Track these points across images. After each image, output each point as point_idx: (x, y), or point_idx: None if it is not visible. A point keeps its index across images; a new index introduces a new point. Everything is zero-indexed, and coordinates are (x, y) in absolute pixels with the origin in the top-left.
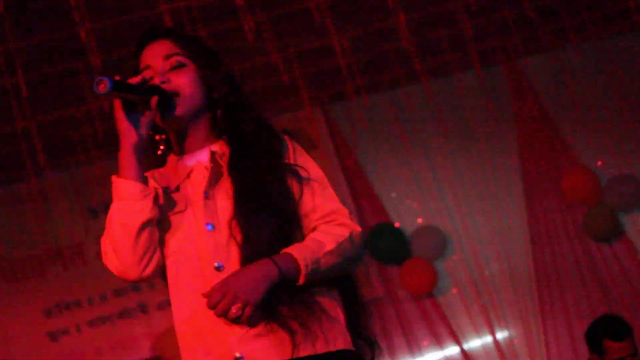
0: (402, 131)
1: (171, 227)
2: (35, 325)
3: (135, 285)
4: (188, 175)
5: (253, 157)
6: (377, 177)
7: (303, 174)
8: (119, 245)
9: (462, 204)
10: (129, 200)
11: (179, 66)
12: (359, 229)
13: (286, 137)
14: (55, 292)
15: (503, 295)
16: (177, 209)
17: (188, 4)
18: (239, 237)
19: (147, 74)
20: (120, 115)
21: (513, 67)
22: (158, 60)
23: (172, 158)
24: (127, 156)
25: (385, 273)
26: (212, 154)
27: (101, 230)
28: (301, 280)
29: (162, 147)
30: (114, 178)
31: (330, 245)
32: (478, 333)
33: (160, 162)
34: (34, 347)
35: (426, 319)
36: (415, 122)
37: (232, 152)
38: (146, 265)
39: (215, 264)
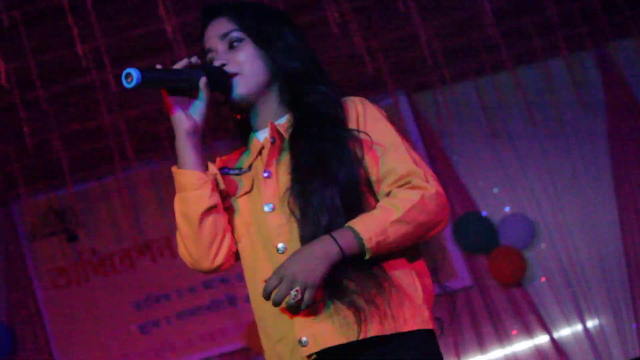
0: (488, 119)
1: (239, 209)
2: (126, 318)
3: (224, 277)
4: (260, 152)
5: (312, 127)
6: (463, 166)
7: (372, 138)
8: (185, 237)
9: (550, 192)
10: (186, 192)
11: (236, 43)
12: (433, 190)
13: (353, 102)
14: (145, 285)
15: (593, 283)
16: (244, 190)
17: None
18: (298, 215)
19: (209, 57)
20: (167, 102)
21: (602, 53)
22: (216, 40)
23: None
24: (180, 144)
25: (474, 263)
26: (273, 128)
27: None
28: (368, 255)
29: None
30: (173, 169)
31: (397, 213)
32: (568, 322)
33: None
34: (125, 339)
35: (515, 308)
36: (501, 110)
37: (294, 124)
38: (216, 254)
39: (278, 245)
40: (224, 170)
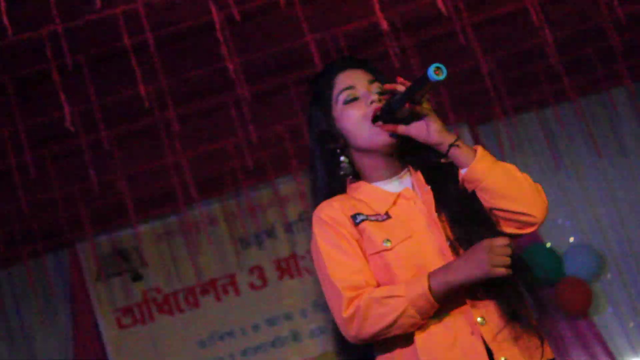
0: (551, 150)
1: (400, 254)
2: (190, 356)
3: (287, 314)
4: (395, 202)
5: (450, 182)
6: None
7: None
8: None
9: (616, 222)
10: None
11: (384, 92)
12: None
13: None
14: (209, 323)
15: None
16: (401, 236)
17: (333, 32)
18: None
19: (349, 93)
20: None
21: None
22: (363, 83)
23: (361, 184)
24: None
25: (539, 293)
26: (422, 178)
27: (252, 259)
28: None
29: (346, 171)
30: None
31: None
32: (636, 353)
33: (341, 188)
34: None
35: (582, 340)
36: (565, 140)
37: (432, 179)
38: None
39: None
40: (361, 217)
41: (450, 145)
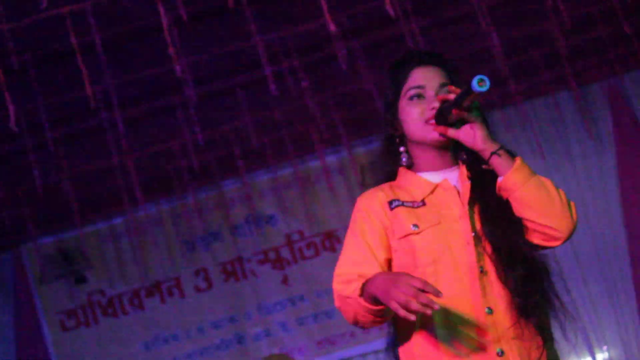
0: None
1: (426, 238)
2: (134, 359)
3: (232, 316)
4: (432, 191)
5: (490, 184)
6: None
7: None
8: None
9: None
10: None
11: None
12: None
13: None
14: (154, 326)
15: (603, 317)
16: (431, 222)
17: (281, 35)
18: (491, 247)
19: (417, 91)
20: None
21: (610, 85)
22: (434, 85)
23: (407, 172)
24: None
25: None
26: (469, 176)
27: (198, 262)
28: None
29: (403, 158)
30: None
31: None
32: (578, 355)
33: (394, 174)
34: None
35: None
36: (510, 144)
37: (474, 176)
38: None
39: (480, 268)
40: (396, 202)
41: (492, 153)
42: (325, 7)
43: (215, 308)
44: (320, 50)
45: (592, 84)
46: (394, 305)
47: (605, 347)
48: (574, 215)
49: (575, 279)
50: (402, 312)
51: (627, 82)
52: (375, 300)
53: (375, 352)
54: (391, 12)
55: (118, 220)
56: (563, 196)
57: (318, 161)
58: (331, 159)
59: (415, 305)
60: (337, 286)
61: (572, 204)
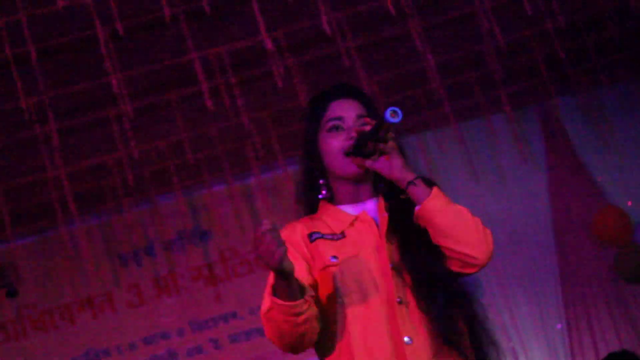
0: (431, 174)
1: (345, 270)
2: None
3: (164, 333)
4: (352, 224)
5: (408, 215)
6: None
7: None
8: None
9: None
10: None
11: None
12: None
13: None
14: (85, 341)
15: (532, 338)
16: (349, 254)
17: (218, 50)
18: (411, 277)
19: (336, 123)
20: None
21: (544, 109)
22: (352, 116)
23: (327, 205)
24: None
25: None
26: (383, 206)
27: (131, 277)
28: None
29: (323, 191)
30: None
31: None
32: None
33: (315, 207)
34: None
35: None
36: (444, 165)
37: (391, 207)
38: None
39: (398, 299)
40: (316, 235)
41: (409, 183)
42: (261, 24)
43: (148, 324)
44: (256, 67)
45: (526, 107)
46: (264, 261)
47: None
48: (490, 243)
49: (506, 301)
50: (273, 262)
51: (560, 106)
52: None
53: None
54: (328, 30)
55: (51, 234)
56: (479, 224)
57: (253, 178)
58: (266, 176)
59: (267, 248)
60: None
61: (488, 231)
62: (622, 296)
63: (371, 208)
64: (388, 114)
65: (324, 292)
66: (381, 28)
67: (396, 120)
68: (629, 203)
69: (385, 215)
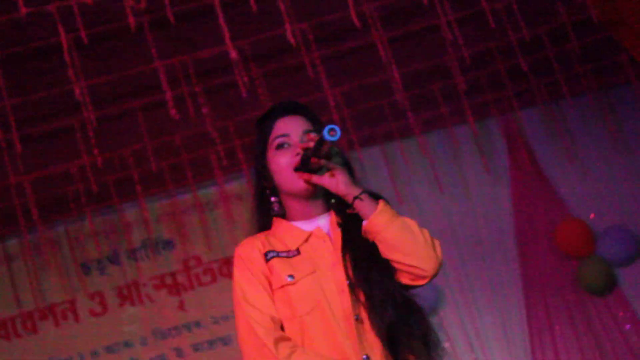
0: (394, 184)
1: (302, 288)
2: None
3: (127, 341)
4: (306, 240)
5: (359, 230)
6: None
7: None
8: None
9: (455, 258)
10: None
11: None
12: None
13: None
14: (46, 350)
15: (495, 349)
16: (305, 271)
17: (182, 59)
18: (364, 294)
19: (282, 140)
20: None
21: (507, 120)
22: (298, 132)
23: (281, 222)
24: None
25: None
26: (339, 222)
27: (94, 285)
28: None
29: (275, 208)
30: None
31: None
32: None
33: (268, 224)
34: None
35: None
36: (408, 175)
37: (343, 224)
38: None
39: (355, 316)
40: (271, 254)
41: (355, 198)
42: (226, 34)
43: (111, 332)
44: (221, 76)
45: (489, 118)
46: None
47: None
48: (439, 254)
49: (469, 311)
50: None
51: (523, 118)
52: None
53: None
54: (292, 40)
55: (12, 241)
56: (427, 235)
57: (217, 187)
58: (230, 185)
59: None
60: (275, 333)
61: (436, 242)
62: (584, 307)
63: (324, 224)
64: (326, 131)
65: (282, 310)
66: (345, 39)
67: (334, 138)
68: (592, 215)
69: (338, 230)
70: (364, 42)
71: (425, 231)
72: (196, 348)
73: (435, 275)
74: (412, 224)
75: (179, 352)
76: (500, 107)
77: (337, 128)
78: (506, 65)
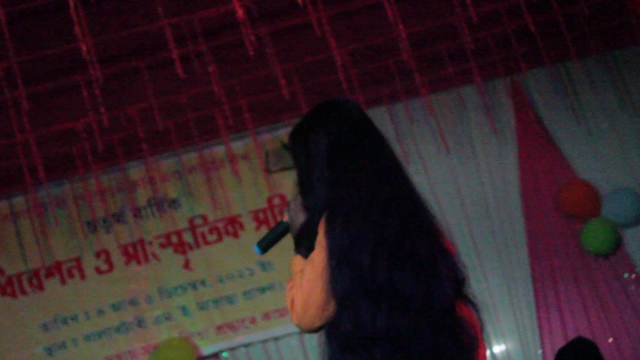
0: (401, 144)
1: None
2: (32, 339)
3: (133, 299)
4: None
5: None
6: None
7: None
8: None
9: (460, 216)
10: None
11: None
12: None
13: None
14: (52, 307)
15: (501, 310)
16: None
17: (189, 18)
18: None
19: None
20: None
21: (514, 81)
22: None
23: None
24: None
25: None
26: None
27: (99, 243)
28: None
29: None
30: None
31: None
32: None
33: None
34: None
35: None
36: (414, 136)
37: None
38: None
39: None
40: None
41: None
42: None
43: (116, 290)
44: (227, 35)
45: (496, 79)
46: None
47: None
48: (292, 315)
49: (475, 273)
50: None
51: (529, 79)
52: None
53: (275, 338)
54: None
55: (19, 199)
56: (287, 294)
57: (223, 146)
58: (236, 145)
59: None
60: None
61: (294, 298)
62: (588, 268)
63: None
64: (255, 247)
65: None
66: None
67: (259, 253)
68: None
69: None
70: (371, 1)
71: (287, 288)
72: (201, 307)
73: (306, 325)
74: (288, 286)
75: (184, 310)
76: (507, 67)
77: (256, 247)
78: (513, 26)
